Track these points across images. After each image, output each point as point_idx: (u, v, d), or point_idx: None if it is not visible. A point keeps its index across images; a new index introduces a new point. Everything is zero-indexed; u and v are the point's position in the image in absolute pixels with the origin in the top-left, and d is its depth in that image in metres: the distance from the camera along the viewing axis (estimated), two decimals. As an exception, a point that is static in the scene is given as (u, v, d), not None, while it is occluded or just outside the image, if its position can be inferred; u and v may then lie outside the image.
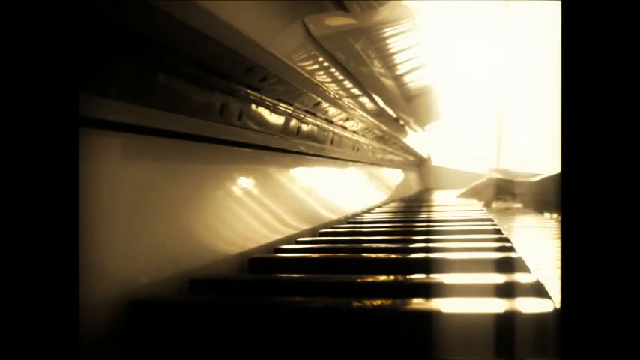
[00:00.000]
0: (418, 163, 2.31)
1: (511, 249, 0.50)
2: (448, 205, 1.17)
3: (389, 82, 0.97)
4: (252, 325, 0.29)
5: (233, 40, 0.41)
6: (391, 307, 0.29)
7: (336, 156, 0.95)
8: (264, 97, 0.56)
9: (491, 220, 0.79)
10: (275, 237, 0.57)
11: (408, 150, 1.78)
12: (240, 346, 0.29)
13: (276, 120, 0.62)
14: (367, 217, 0.93)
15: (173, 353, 0.29)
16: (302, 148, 0.75)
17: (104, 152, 0.35)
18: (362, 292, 0.36)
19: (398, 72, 0.97)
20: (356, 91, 0.82)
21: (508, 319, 0.26)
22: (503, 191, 1.15)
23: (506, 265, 0.42)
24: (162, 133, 0.41)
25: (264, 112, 0.58)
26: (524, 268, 0.41)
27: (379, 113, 1.06)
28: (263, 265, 0.47)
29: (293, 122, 0.68)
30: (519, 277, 0.35)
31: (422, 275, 0.38)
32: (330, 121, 0.83)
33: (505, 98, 2.86)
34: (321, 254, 0.50)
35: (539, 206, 1.11)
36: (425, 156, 2.29)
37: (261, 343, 0.29)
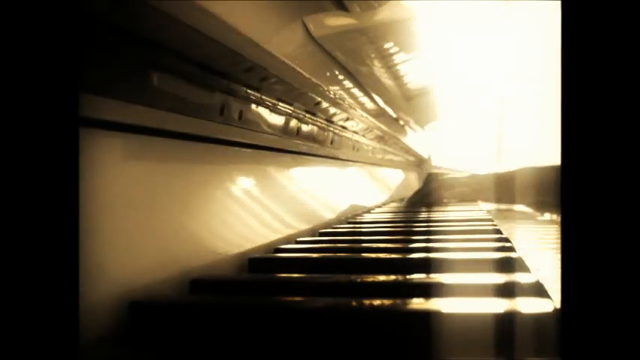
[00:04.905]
0: (418, 163, 2.31)
1: (511, 249, 0.50)
2: (448, 205, 1.17)
3: (389, 82, 0.97)
4: (252, 325, 0.29)
5: (233, 40, 0.41)
6: (391, 307, 0.28)
7: (336, 156, 0.95)
8: (264, 97, 0.56)
9: (491, 220, 0.79)
10: (275, 237, 0.57)
11: (407, 150, 1.78)
12: (240, 347, 0.29)
13: (276, 120, 0.62)
14: (367, 217, 0.93)
15: (173, 354, 0.29)
16: (302, 148, 0.75)
17: (104, 152, 0.35)
18: (362, 292, 0.36)
19: (398, 72, 0.97)
20: (356, 91, 0.82)
21: (508, 319, 0.26)
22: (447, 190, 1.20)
23: (506, 265, 0.42)
24: (162, 133, 0.41)
25: (264, 112, 0.58)
26: (525, 268, 0.41)
27: (379, 113, 1.06)
28: (263, 265, 0.47)
29: (293, 122, 0.68)
30: (519, 277, 0.35)
31: (422, 275, 0.38)
32: (330, 121, 0.83)
33: (505, 98, 2.86)
34: (321, 254, 0.50)
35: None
36: (425, 156, 2.29)
37: (261, 344, 0.29)
